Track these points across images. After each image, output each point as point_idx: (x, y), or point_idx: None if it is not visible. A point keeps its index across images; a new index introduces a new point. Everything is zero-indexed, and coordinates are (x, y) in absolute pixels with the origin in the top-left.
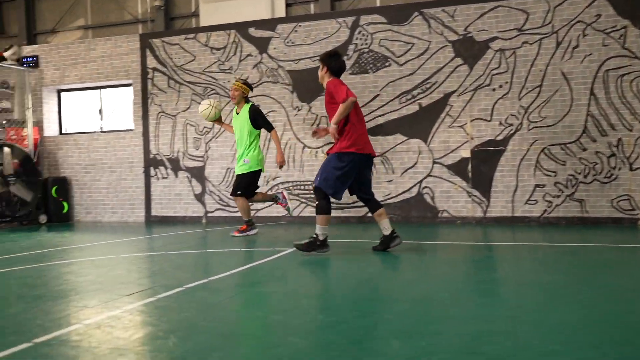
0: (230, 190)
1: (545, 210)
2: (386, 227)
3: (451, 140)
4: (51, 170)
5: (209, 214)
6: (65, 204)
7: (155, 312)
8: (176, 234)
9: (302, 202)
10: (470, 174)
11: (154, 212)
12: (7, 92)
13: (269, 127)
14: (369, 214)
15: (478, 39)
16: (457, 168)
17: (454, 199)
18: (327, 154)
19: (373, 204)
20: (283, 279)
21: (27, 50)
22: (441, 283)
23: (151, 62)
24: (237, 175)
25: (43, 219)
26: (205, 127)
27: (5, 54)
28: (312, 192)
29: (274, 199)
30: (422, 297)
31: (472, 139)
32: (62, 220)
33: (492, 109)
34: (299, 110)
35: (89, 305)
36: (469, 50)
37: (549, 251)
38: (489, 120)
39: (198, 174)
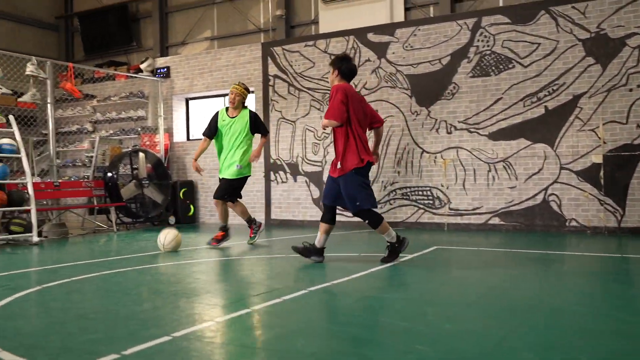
0: (214, 193)
1: None
2: (322, 241)
3: (580, 145)
4: (179, 174)
5: None
6: (191, 207)
7: (282, 313)
8: (295, 237)
9: (419, 208)
10: (602, 181)
11: (273, 216)
12: (142, 101)
13: (266, 132)
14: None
15: (613, 36)
16: (588, 174)
17: (584, 207)
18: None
19: (334, 217)
20: (404, 285)
21: (160, 62)
22: (574, 295)
23: (272, 69)
24: (225, 179)
25: (172, 220)
26: (323, 132)
27: (142, 66)
28: (430, 197)
29: (251, 220)
30: (555, 309)
31: (604, 143)
32: (188, 221)
33: (628, 110)
34: (417, 114)
35: (219, 304)
36: (603, 48)
37: None
38: (625, 123)
39: (316, 178)
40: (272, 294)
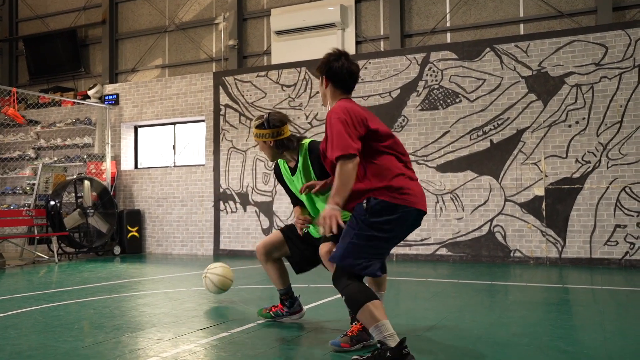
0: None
1: (627, 253)
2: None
3: (524, 178)
4: (126, 203)
5: None
6: (137, 236)
7: (230, 348)
8: (244, 268)
9: None
10: (544, 213)
11: (222, 246)
12: (89, 127)
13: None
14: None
15: (553, 75)
16: (531, 206)
17: (527, 238)
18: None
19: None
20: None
21: (109, 88)
22: (518, 327)
23: (224, 99)
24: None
25: (117, 249)
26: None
27: (89, 92)
28: None
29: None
30: (501, 341)
31: (546, 176)
32: (134, 251)
33: (567, 145)
34: None
35: (165, 339)
36: (544, 85)
37: (632, 296)
38: (565, 157)
39: (266, 208)
40: (219, 327)
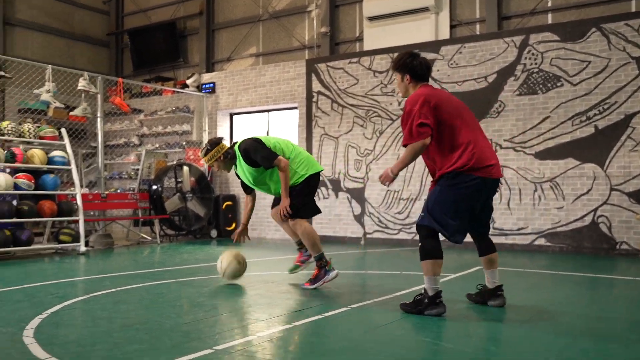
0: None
1: None
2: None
3: (633, 166)
4: (222, 188)
5: (368, 235)
6: (234, 223)
7: (323, 330)
8: (336, 253)
9: None
10: None
11: None
12: (188, 115)
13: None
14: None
15: None
16: None
17: (636, 229)
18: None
19: (481, 245)
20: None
21: (206, 77)
22: (625, 322)
23: (316, 86)
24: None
25: (214, 233)
26: (366, 149)
27: (188, 82)
28: None
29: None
30: (605, 335)
31: None
32: (229, 235)
33: None
34: None
35: (261, 319)
36: None
37: None
38: None
39: (358, 195)
40: (313, 310)
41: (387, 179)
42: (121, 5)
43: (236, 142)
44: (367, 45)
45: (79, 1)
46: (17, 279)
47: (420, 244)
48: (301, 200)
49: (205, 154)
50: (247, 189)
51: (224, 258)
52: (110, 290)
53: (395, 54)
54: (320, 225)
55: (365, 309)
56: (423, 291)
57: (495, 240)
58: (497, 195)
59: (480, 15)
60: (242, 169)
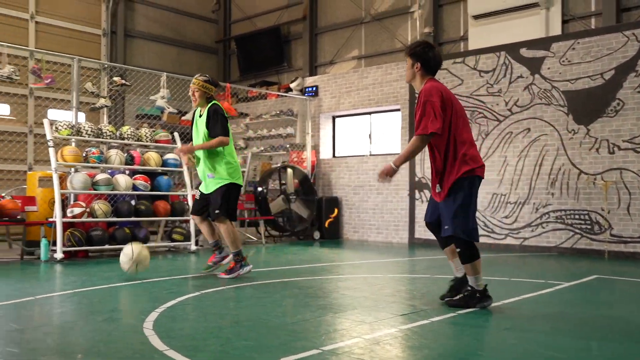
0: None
1: None
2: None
3: None
4: (325, 191)
5: None
6: (335, 222)
7: (430, 335)
8: (439, 257)
9: (575, 233)
10: None
11: (417, 235)
12: (291, 119)
13: (217, 134)
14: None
15: None
16: None
17: None
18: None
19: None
20: (562, 314)
21: (309, 81)
22: None
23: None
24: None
25: (317, 235)
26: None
27: (292, 85)
28: (588, 221)
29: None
30: None
31: None
32: (332, 237)
33: None
34: (574, 133)
35: (366, 321)
36: None
37: None
38: None
39: None
40: (419, 314)
41: (389, 172)
42: (229, 14)
43: (214, 100)
44: (472, 45)
45: (191, 11)
46: (136, 274)
47: (459, 250)
48: (226, 203)
49: (204, 81)
50: (194, 138)
51: (134, 247)
52: (219, 288)
53: (503, 52)
54: (423, 229)
55: (473, 315)
56: (470, 288)
57: (613, 247)
58: (615, 200)
59: (596, 9)
60: (202, 120)
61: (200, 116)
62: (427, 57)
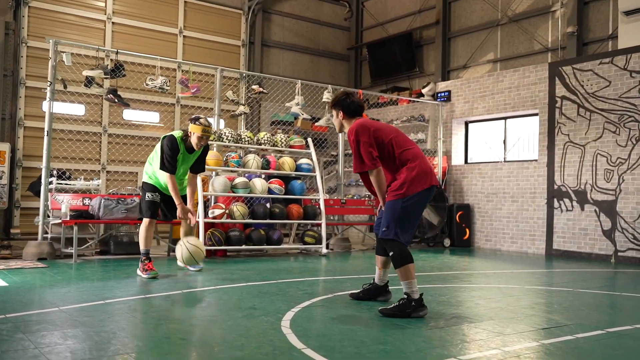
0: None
1: None
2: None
3: None
4: (456, 197)
5: (620, 253)
6: (467, 230)
7: (575, 353)
8: (581, 271)
9: None
10: None
11: (555, 246)
12: (422, 124)
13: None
14: None
15: None
16: None
17: None
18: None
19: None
20: None
21: (441, 86)
22: None
23: (560, 90)
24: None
25: (447, 242)
26: (619, 157)
27: (423, 91)
28: None
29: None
30: None
31: None
32: (463, 245)
33: None
34: None
35: (505, 333)
36: None
37: None
38: None
39: (608, 208)
40: (562, 330)
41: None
42: (361, 21)
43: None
44: (622, 43)
45: (324, 20)
46: (271, 274)
47: (391, 254)
48: (143, 201)
49: (210, 126)
50: (176, 170)
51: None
52: (351, 291)
53: None
54: (562, 239)
55: (623, 334)
56: (406, 296)
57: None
58: None
59: None
60: (195, 155)
61: (189, 149)
62: (345, 104)
